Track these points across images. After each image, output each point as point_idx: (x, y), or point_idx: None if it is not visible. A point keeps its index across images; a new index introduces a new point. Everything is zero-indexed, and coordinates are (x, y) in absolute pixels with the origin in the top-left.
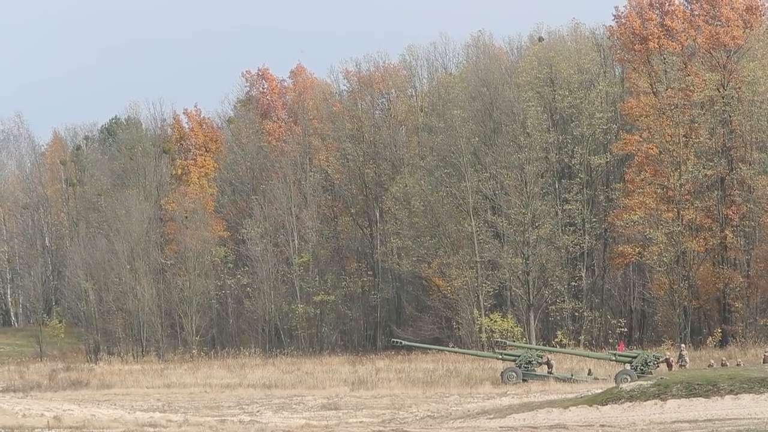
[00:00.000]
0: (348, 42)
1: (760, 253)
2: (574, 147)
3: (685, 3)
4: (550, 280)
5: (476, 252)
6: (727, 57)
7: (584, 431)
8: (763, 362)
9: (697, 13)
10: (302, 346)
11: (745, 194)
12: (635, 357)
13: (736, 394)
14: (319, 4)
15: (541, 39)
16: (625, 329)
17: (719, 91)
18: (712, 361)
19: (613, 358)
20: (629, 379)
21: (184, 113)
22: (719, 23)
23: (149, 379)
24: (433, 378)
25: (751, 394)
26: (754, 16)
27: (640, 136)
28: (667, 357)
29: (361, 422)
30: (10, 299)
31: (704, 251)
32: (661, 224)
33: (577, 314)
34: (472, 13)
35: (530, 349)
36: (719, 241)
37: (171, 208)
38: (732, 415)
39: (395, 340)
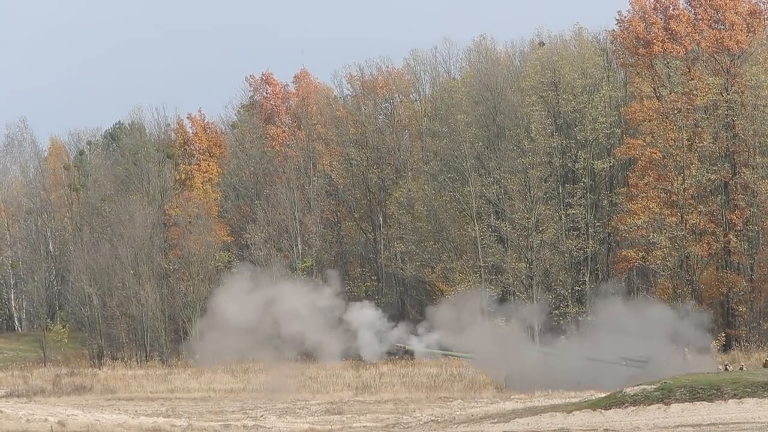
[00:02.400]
0: (351, 47)
1: (764, 257)
2: (578, 151)
3: (689, 7)
4: (553, 284)
5: (480, 257)
6: (731, 61)
7: None
8: (764, 366)
9: (700, 17)
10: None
11: (749, 198)
12: (646, 362)
13: (740, 398)
14: (323, 10)
15: (542, 44)
16: None
17: (722, 96)
18: (723, 367)
19: (624, 363)
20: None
21: (187, 118)
22: (723, 27)
23: (153, 384)
24: (436, 382)
25: (754, 398)
26: (758, 21)
27: (644, 141)
28: None
29: (364, 427)
30: (13, 304)
31: (708, 255)
32: (665, 228)
33: (580, 319)
34: (474, 17)
35: None
36: (723, 245)
37: (175, 213)
38: (736, 419)
39: (398, 344)
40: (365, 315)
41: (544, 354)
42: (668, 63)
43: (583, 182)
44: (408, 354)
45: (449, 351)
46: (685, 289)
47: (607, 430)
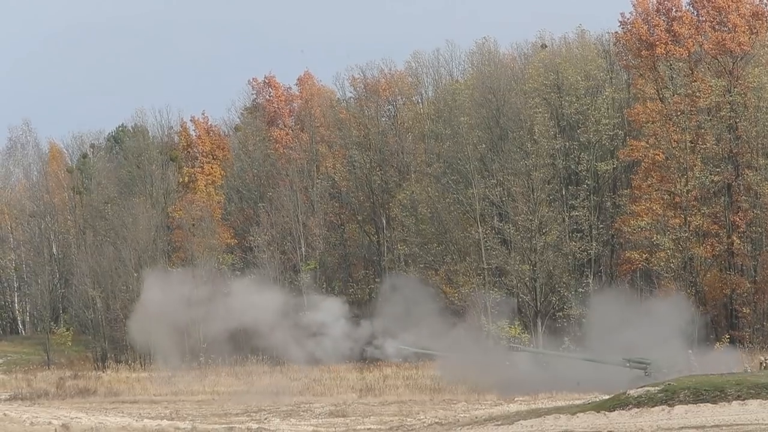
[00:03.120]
0: (353, 50)
1: (767, 258)
2: (581, 153)
3: (692, 9)
4: (557, 286)
5: (483, 259)
6: (733, 63)
7: None
8: (761, 368)
9: (703, 18)
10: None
11: (752, 200)
12: (649, 363)
13: (744, 399)
14: (325, 12)
15: (544, 46)
16: None
17: (725, 97)
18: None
19: (627, 365)
20: None
21: (191, 121)
22: (726, 29)
23: (157, 386)
24: (440, 385)
25: (758, 400)
26: (760, 22)
27: (647, 143)
28: None
29: (368, 429)
30: (17, 307)
31: (711, 257)
32: (668, 230)
33: (584, 320)
34: (475, 20)
35: None
36: (726, 247)
37: (178, 215)
38: (739, 421)
39: (402, 346)
40: (327, 312)
41: (538, 355)
42: (671, 65)
43: (587, 184)
44: (378, 358)
45: (427, 350)
46: (688, 291)
47: (611, 431)
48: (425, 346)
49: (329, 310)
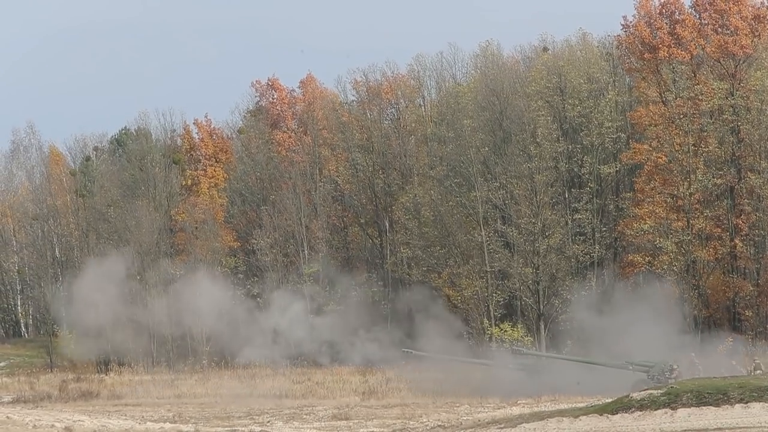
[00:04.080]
0: (355, 52)
1: None
2: (584, 156)
3: (694, 12)
4: (560, 289)
5: (486, 262)
6: (736, 66)
7: None
8: (754, 370)
9: (706, 21)
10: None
11: (755, 203)
12: (652, 366)
13: (746, 402)
14: (328, 14)
15: (546, 49)
16: None
17: (728, 100)
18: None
19: (630, 368)
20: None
21: (194, 124)
22: (728, 32)
23: (159, 389)
24: (443, 388)
25: (761, 403)
26: (762, 25)
27: (650, 146)
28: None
29: None
30: (20, 310)
31: (714, 260)
32: (671, 233)
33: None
34: (477, 24)
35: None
36: (729, 250)
37: (181, 218)
38: (742, 424)
39: (406, 349)
40: (287, 314)
41: (540, 359)
42: (674, 68)
43: (589, 187)
44: (338, 360)
45: (427, 353)
46: (691, 294)
47: None
48: (428, 349)
49: (290, 312)
